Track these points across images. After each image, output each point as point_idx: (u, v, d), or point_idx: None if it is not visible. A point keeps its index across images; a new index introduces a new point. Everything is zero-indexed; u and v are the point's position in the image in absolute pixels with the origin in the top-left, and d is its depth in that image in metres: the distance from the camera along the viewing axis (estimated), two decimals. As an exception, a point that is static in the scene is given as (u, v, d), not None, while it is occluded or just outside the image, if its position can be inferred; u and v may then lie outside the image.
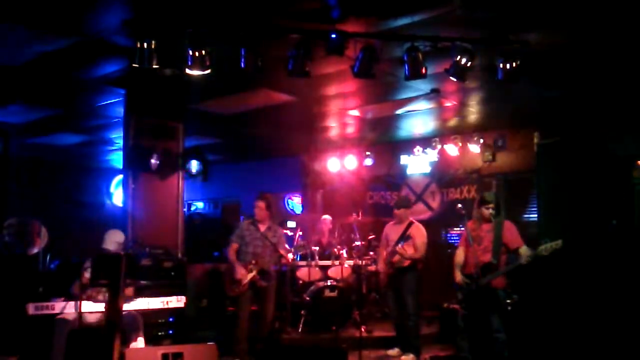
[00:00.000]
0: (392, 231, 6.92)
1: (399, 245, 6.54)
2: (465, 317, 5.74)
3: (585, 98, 7.26)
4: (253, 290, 6.31)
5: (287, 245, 6.93)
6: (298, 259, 8.22)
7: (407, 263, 6.58)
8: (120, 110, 7.84)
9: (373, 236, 8.59)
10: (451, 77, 5.21)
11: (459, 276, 5.79)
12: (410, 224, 6.82)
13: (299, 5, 4.74)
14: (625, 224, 6.29)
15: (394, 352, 6.83)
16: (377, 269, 6.93)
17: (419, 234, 6.71)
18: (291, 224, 9.92)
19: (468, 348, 5.75)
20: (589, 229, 6.35)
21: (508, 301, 6.02)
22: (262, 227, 6.43)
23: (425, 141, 9.52)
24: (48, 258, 7.05)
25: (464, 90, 7.05)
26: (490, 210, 5.76)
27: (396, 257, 6.61)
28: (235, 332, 6.27)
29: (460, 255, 5.94)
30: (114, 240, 5.97)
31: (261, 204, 6.46)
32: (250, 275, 6.25)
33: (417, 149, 9.61)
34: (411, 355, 6.50)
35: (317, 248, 8.22)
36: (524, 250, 5.59)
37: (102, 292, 5.39)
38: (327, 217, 9.21)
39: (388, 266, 6.69)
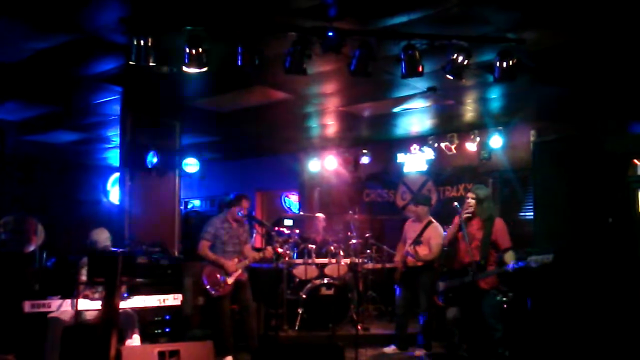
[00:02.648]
0: (410, 229, 6.93)
1: (411, 247, 6.56)
2: (459, 314, 5.75)
3: (581, 96, 7.28)
4: (234, 287, 6.36)
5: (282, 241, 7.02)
6: (295, 257, 8.24)
7: (421, 263, 6.61)
8: (116, 108, 7.82)
9: (369, 234, 8.60)
10: (448, 75, 5.22)
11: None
12: (429, 223, 6.79)
13: (296, 3, 4.74)
14: (621, 222, 6.31)
15: (390, 349, 6.85)
16: (394, 264, 7.03)
17: (435, 234, 6.69)
18: (288, 221, 9.91)
19: (457, 344, 5.78)
20: (584, 227, 6.37)
21: (498, 299, 6.02)
22: (235, 225, 6.49)
23: (422, 139, 9.54)
24: (44, 256, 7.04)
25: (460, 88, 7.06)
26: (469, 200, 5.67)
27: (409, 259, 6.63)
28: (223, 330, 6.28)
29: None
30: (107, 237, 5.95)
31: (248, 204, 6.55)
32: (237, 273, 6.31)
33: (414, 147, 9.63)
34: (423, 350, 6.57)
35: (314, 246, 8.22)
36: (510, 256, 5.58)
37: (98, 290, 5.39)
38: (320, 215, 9.21)
39: (402, 264, 6.72)
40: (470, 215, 5.71)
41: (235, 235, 6.47)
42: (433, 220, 6.86)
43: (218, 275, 6.27)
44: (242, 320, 6.46)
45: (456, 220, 5.81)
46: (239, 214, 6.44)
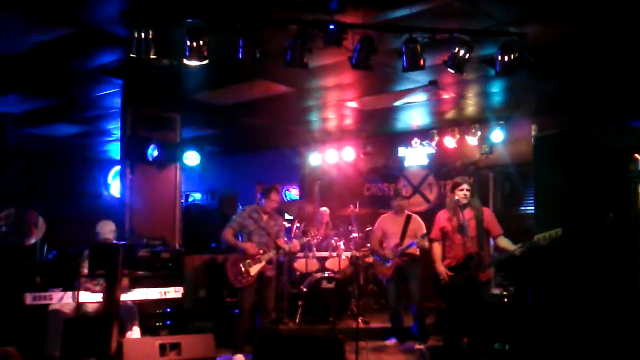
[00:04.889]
0: (391, 223, 6.93)
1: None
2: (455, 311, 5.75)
3: (582, 91, 7.26)
4: (258, 280, 6.24)
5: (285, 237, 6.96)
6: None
7: (419, 253, 6.67)
8: (117, 101, 7.82)
9: (370, 228, 8.60)
10: (449, 69, 5.21)
11: (443, 270, 5.70)
12: (409, 216, 6.85)
13: (297, -5, 4.73)
14: (622, 216, 6.31)
15: (391, 342, 6.87)
16: (387, 258, 6.89)
17: (421, 225, 6.83)
18: (288, 215, 9.91)
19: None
20: (585, 221, 6.37)
21: (498, 293, 6.04)
22: (265, 217, 6.43)
23: (423, 133, 9.52)
24: (45, 248, 7.06)
25: (461, 82, 7.04)
26: (465, 192, 5.66)
27: (413, 249, 6.62)
28: (237, 324, 6.24)
29: (438, 248, 5.85)
30: (110, 229, 5.98)
31: (277, 197, 6.50)
32: (260, 265, 6.18)
33: (415, 140, 9.62)
34: (423, 344, 6.56)
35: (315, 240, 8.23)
36: (504, 241, 5.59)
37: (100, 283, 5.41)
38: (325, 209, 9.22)
39: (400, 258, 6.71)
40: (465, 205, 5.70)
41: (264, 227, 6.33)
42: (410, 213, 6.98)
43: (240, 266, 6.16)
44: (256, 315, 6.34)
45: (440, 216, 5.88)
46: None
